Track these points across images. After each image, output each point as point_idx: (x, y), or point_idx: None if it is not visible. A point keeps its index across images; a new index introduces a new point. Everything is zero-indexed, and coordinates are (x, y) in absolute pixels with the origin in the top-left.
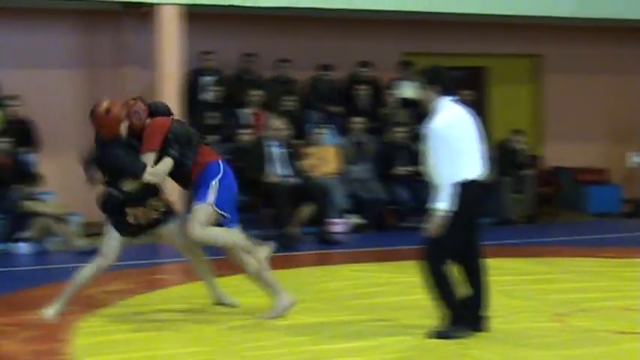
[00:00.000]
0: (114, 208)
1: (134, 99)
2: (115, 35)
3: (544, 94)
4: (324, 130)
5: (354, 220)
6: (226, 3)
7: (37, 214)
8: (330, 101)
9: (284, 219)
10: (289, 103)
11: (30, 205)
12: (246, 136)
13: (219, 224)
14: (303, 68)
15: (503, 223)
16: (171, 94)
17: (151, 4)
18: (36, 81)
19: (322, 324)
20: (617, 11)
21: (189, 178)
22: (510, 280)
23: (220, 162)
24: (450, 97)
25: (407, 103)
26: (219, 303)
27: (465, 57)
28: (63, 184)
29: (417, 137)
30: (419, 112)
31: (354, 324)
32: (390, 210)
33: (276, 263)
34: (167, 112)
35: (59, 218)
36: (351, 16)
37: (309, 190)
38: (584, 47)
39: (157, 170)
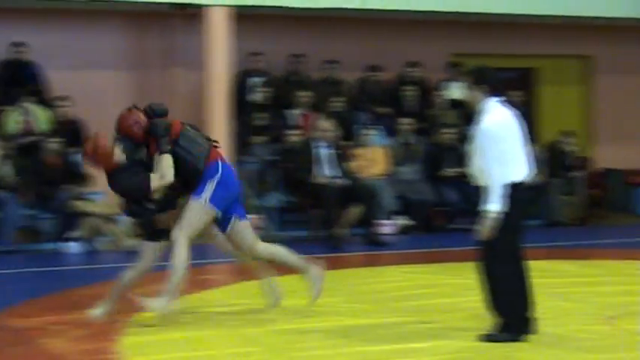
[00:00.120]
0: (144, 221)
1: (129, 109)
2: (164, 37)
3: (594, 96)
4: (372, 131)
5: (402, 221)
6: (275, 4)
7: (86, 214)
8: (378, 102)
9: (332, 220)
10: (337, 104)
11: (79, 205)
12: (294, 137)
13: (217, 222)
14: (352, 69)
15: (553, 225)
16: (219, 95)
17: (200, 6)
18: (86, 82)
19: (370, 326)
20: None
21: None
22: (560, 282)
23: (219, 162)
24: (497, 98)
25: (455, 104)
26: (271, 301)
27: (514, 58)
28: None
29: (465, 138)
30: (467, 113)
31: (402, 326)
32: (438, 211)
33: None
34: (164, 113)
35: (108, 218)
36: (400, 17)
37: (357, 192)
38: (634, 48)
39: (162, 171)
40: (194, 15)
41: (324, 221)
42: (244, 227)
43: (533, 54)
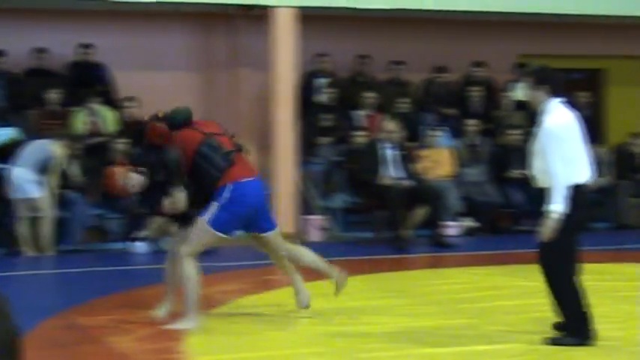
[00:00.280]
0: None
1: (146, 122)
2: (231, 37)
3: None
4: (438, 133)
5: (468, 223)
6: (341, 5)
7: (153, 214)
8: (444, 103)
9: (397, 221)
10: (403, 105)
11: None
12: (360, 138)
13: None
14: (418, 70)
15: (621, 227)
16: (285, 95)
17: (267, 7)
18: (152, 83)
19: (434, 328)
20: None
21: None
22: (627, 285)
23: (231, 185)
24: (559, 99)
25: (521, 105)
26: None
27: (582, 59)
28: None
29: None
30: (533, 115)
31: (466, 328)
32: (504, 213)
33: (388, 265)
34: (189, 117)
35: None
36: (467, 18)
37: (422, 193)
38: None
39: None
40: (260, 16)
41: (389, 222)
42: (273, 238)
43: (601, 55)
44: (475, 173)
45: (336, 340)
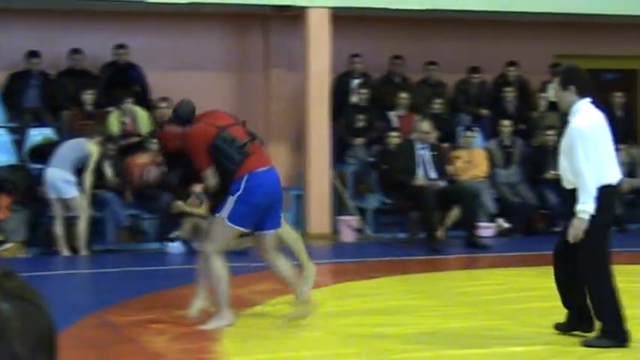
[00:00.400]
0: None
1: (160, 126)
2: (265, 38)
3: None
4: (473, 133)
5: (502, 224)
6: (375, 5)
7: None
8: (478, 104)
9: (431, 222)
10: (437, 105)
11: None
12: (393, 139)
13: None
14: (451, 71)
15: None
16: (319, 96)
17: (301, 7)
18: (186, 83)
19: (468, 328)
20: None
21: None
22: None
23: (247, 175)
24: (587, 99)
25: (555, 105)
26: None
27: (617, 59)
28: None
29: None
30: (566, 115)
31: (500, 329)
32: (539, 214)
33: (421, 266)
34: (194, 109)
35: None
36: (501, 18)
37: (456, 194)
38: None
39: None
40: (295, 16)
41: (422, 223)
42: (271, 237)
43: (636, 55)
44: (509, 174)
45: (369, 340)
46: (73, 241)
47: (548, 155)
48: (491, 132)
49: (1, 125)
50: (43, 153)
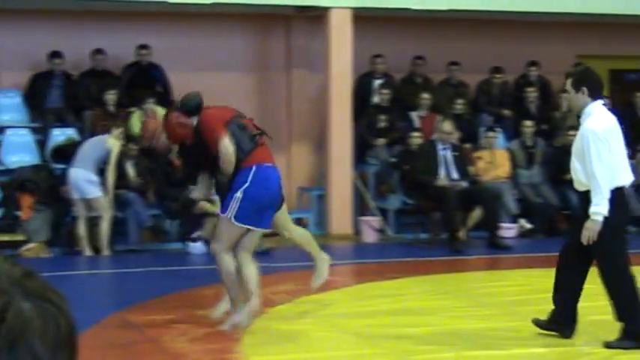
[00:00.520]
0: None
1: (167, 115)
2: (287, 38)
3: None
4: (495, 134)
5: (525, 224)
6: (397, 6)
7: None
8: (500, 104)
9: (453, 223)
10: (459, 106)
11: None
12: (415, 139)
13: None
14: (473, 71)
15: None
16: (341, 96)
17: (324, 8)
18: (209, 84)
19: (490, 329)
20: None
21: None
22: None
23: (254, 167)
24: (600, 101)
25: None
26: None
27: None
28: None
29: None
30: None
31: (523, 330)
32: (561, 215)
33: (443, 267)
34: (199, 104)
35: None
36: (523, 18)
37: (478, 194)
38: None
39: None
40: (317, 17)
41: (444, 224)
42: (253, 236)
43: None
44: (531, 174)
45: (391, 341)
46: (95, 241)
47: (570, 156)
48: (513, 132)
49: (24, 125)
50: (66, 153)
